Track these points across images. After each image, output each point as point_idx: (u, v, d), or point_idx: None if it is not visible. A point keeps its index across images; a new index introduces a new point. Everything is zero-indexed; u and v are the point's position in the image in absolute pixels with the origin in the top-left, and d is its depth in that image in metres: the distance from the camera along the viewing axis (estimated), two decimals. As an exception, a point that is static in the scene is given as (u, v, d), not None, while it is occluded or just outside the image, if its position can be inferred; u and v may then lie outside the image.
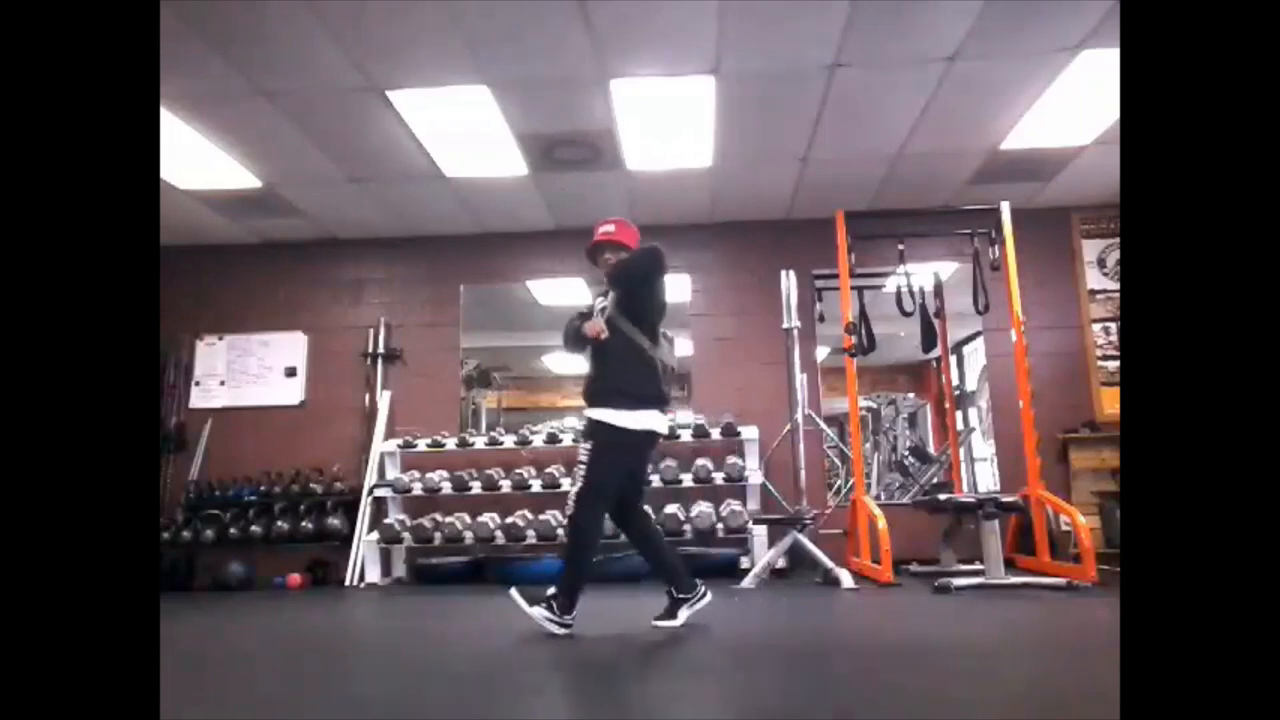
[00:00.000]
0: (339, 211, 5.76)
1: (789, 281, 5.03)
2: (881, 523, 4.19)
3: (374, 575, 5.34)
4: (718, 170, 5.19)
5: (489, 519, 5.19)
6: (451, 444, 5.59)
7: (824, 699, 1.82)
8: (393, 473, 5.63)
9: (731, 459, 5.25)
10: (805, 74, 4.11)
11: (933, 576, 4.09)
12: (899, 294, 5.19)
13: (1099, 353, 5.77)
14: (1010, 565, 4.49)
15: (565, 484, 5.29)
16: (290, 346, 6.13)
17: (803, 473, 4.85)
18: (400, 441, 5.66)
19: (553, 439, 5.47)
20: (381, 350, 6.04)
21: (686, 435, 5.33)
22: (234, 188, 5.26)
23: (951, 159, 5.13)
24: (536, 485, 5.34)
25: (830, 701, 1.80)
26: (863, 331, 5.27)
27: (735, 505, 5.05)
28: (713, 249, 5.96)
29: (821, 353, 5.87)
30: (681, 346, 5.47)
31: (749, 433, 5.37)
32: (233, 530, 5.50)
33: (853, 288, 4.94)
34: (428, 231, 6.12)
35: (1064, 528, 4.92)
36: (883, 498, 5.92)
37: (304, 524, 5.47)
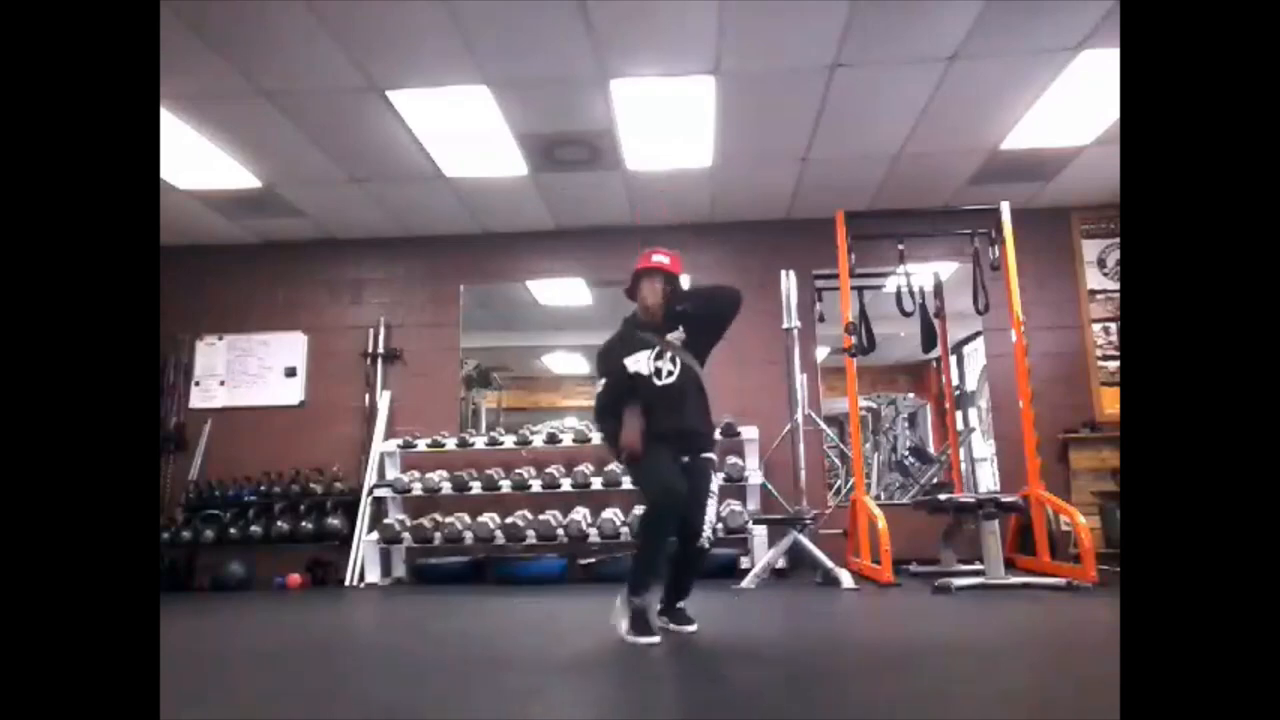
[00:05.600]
0: (339, 211, 5.76)
1: (789, 281, 5.03)
2: (881, 523, 4.19)
3: (374, 575, 5.33)
4: (718, 170, 5.19)
5: (489, 519, 5.19)
6: (451, 444, 5.59)
7: (824, 699, 1.82)
8: (392, 473, 5.63)
9: (731, 459, 5.24)
10: (805, 74, 4.11)
11: (933, 576, 4.09)
12: (899, 294, 5.19)
13: (1099, 353, 5.77)
14: (1010, 565, 4.48)
15: (565, 484, 5.30)
16: (290, 346, 6.12)
17: (803, 473, 4.85)
18: (400, 441, 5.66)
19: (552, 439, 5.47)
20: (381, 350, 6.04)
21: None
22: (234, 188, 5.26)
23: (951, 159, 5.13)
24: (536, 485, 5.34)
25: (830, 702, 1.80)
26: (863, 331, 5.26)
27: (735, 505, 5.04)
28: (713, 249, 5.95)
29: (821, 353, 5.87)
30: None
31: (749, 433, 5.37)
32: (232, 530, 5.49)
33: (853, 288, 4.93)
34: (428, 231, 6.12)
35: (1064, 528, 4.92)
36: (883, 498, 5.92)
37: (304, 524, 5.47)
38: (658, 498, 2.69)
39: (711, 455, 2.89)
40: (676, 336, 2.86)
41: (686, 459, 2.80)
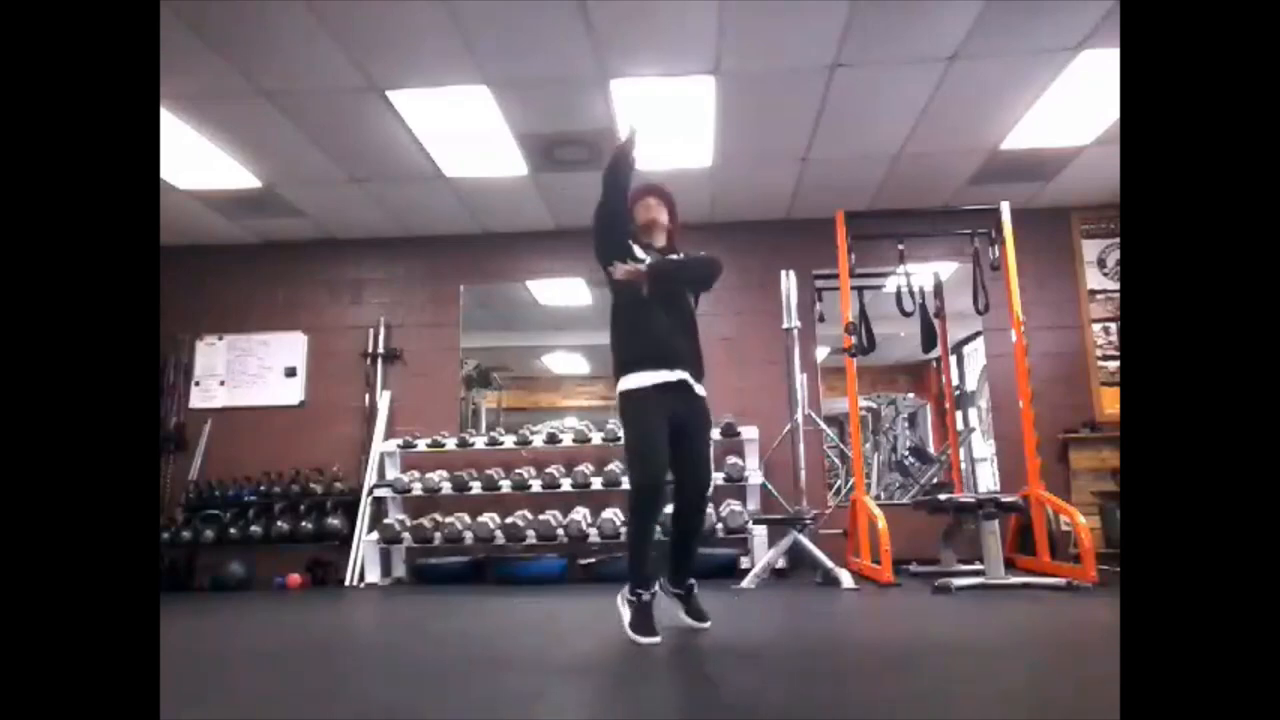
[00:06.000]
0: (339, 211, 5.76)
1: (789, 281, 5.03)
2: (881, 523, 4.19)
3: (374, 575, 5.34)
4: (718, 170, 5.19)
5: (489, 519, 5.19)
6: (451, 444, 5.59)
7: (823, 699, 1.82)
8: (392, 473, 5.63)
9: (731, 459, 5.25)
10: (805, 74, 4.11)
11: (933, 576, 4.09)
12: (899, 294, 5.19)
13: (1099, 353, 5.77)
14: (1010, 565, 4.48)
15: (565, 484, 5.30)
16: (290, 346, 6.13)
17: (803, 473, 4.85)
18: (400, 441, 5.66)
19: (552, 439, 5.47)
20: (381, 350, 6.05)
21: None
22: (234, 188, 5.26)
23: (951, 159, 5.13)
24: (536, 485, 5.34)
25: (830, 702, 1.80)
26: (863, 331, 5.26)
27: (735, 505, 5.05)
28: (713, 249, 5.91)
29: (821, 353, 5.86)
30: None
31: (749, 433, 5.37)
32: (232, 530, 5.49)
33: (853, 288, 4.93)
34: (428, 231, 6.12)
35: (1064, 528, 4.92)
36: (883, 498, 5.92)
37: (304, 524, 5.47)
38: (643, 488, 2.59)
39: (704, 396, 2.79)
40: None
41: (685, 398, 2.71)
